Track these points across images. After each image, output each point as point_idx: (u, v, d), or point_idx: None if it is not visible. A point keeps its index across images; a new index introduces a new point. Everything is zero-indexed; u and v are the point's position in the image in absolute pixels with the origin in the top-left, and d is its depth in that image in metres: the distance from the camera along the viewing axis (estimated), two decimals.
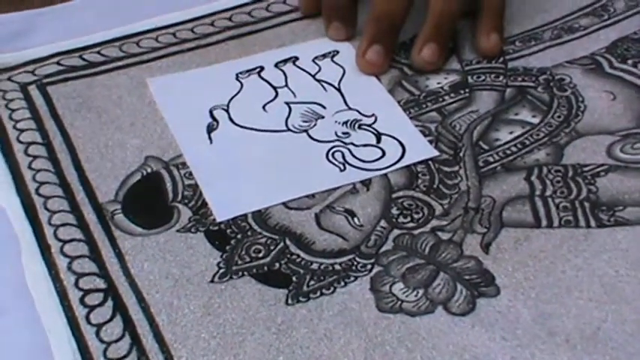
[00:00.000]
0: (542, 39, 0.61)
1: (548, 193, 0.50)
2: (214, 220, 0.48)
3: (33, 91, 0.57)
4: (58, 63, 0.59)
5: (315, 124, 0.54)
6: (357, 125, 0.54)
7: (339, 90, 0.57)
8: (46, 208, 0.49)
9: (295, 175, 0.51)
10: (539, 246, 0.47)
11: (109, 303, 0.44)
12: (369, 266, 0.46)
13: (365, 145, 0.53)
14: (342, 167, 0.52)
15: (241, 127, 0.54)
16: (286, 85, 0.57)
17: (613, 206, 0.49)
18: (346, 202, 0.50)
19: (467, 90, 0.57)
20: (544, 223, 0.48)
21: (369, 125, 0.54)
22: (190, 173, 0.51)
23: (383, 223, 0.48)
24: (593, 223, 0.48)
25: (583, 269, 0.46)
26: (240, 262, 0.46)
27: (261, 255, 0.47)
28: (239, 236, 0.48)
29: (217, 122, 0.55)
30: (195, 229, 0.48)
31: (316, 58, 0.59)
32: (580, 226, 0.48)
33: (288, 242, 0.47)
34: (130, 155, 0.52)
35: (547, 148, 0.53)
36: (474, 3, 0.60)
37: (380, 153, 0.52)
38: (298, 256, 0.47)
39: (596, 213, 0.49)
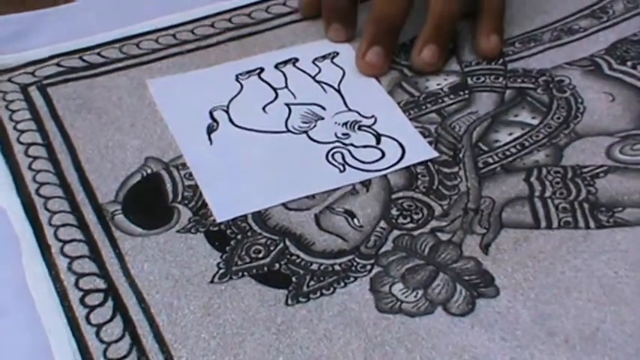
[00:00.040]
0: (541, 40, 0.61)
1: (547, 194, 0.50)
2: (214, 220, 0.49)
3: (33, 92, 0.57)
4: (58, 64, 0.59)
5: (314, 125, 0.54)
6: (356, 126, 0.54)
7: (338, 91, 0.57)
8: (47, 209, 0.49)
9: (295, 176, 0.51)
10: (539, 247, 0.47)
11: (109, 303, 0.44)
12: (368, 267, 0.46)
13: (365, 146, 0.53)
14: (342, 168, 0.52)
15: (241, 128, 0.54)
16: (286, 87, 0.57)
17: (612, 207, 0.49)
18: (346, 202, 0.50)
19: (466, 91, 0.57)
20: (543, 224, 0.48)
21: (369, 126, 0.54)
22: (190, 174, 0.51)
23: (382, 223, 0.48)
24: (592, 224, 0.48)
25: (582, 270, 0.46)
26: (240, 262, 0.46)
27: (261, 255, 0.47)
28: (239, 237, 0.48)
29: (217, 123, 0.55)
30: (195, 230, 0.48)
31: (316, 59, 0.59)
32: (579, 227, 0.48)
33: (287, 243, 0.47)
34: (130, 156, 0.52)
35: (546, 150, 0.53)
36: (474, 4, 0.60)
37: (380, 154, 0.53)
38: (298, 256, 0.47)
39: (595, 214, 0.49)
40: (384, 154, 0.52)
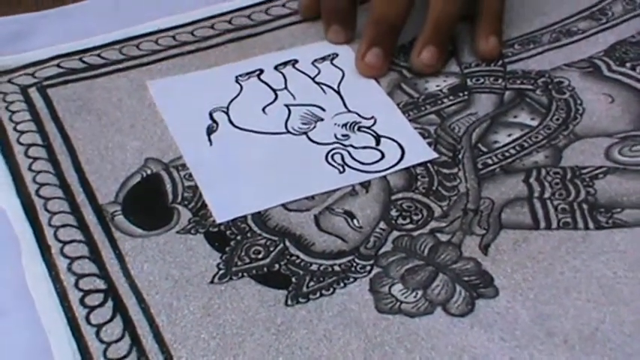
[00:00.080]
0: (540, 42, 0.61)
1: (546, 195, 0.50)
2: (214, 221, 0.49)
3: (33, 93, 0.57)
4: (58, 65, 0.59)
5: (314, 127, 0.55)
6: (356, 127, 0.54)
7: (338, 92, 0.57)
8: (47, 210, 0.49)
9: (295, 177, 0.51)
10: (538, 247, 0.47)
11: (109, 304, 0.44)
12: (368, 267, 0.46)
13: (364, 148, 0.53)
14: (342, 169, 0.52)
15: (241, 129, 0.54)
16: (286, 88, 0.57)
17: (611, 208, 0.49)
18: (345, 203, 0.50)
19: (466, 93, 0.57)
20: (542, 224, 0.48)
21: (369, 127, 0.54)
22: (190, 175, 0.51)
23: (382, 224, 0.49)
24: (591, 224, 0.48)
25: (581, 271, 0.46)
26: (239, 263, 0.46)
27: (260, 256, 0.47)
28: (239, 237, 0.48)
29: (217, 124, 0.55)
30: (195, 231, 0.48)
31: (316, 60, 0.60)
32: (578, 227, 0.48)
33: (287, 243, 0.48)
34: (130, 157, 0.52)
35: (546, 151, 0.53)
36: (473, 6, 0.60)
37: (379, 155, 0.53)
38: (298, 257, 0.47)
39: (594, 215, 0.49)
40: (383, 155, 0.53)
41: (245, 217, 0.49)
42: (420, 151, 0.53)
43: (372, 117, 0.55)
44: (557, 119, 0.55)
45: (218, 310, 0.44)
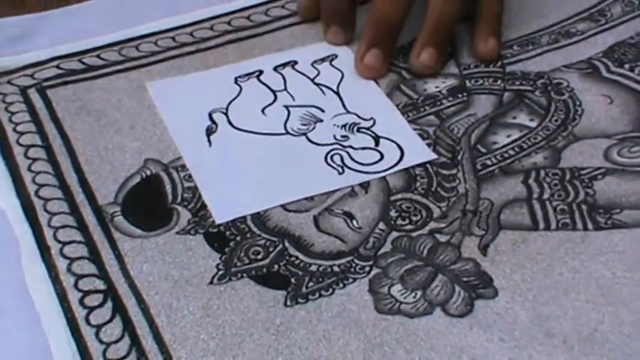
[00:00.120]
0: (539, 43, 0.61)
1: (545, 196, 0.50)
2: (213, 222, 0.49)
3: (33, 94, 0.57)
4: (57, 66, 0.59)
5: (313, 128, 0.55)
6: (355, 128, 0.55)
7: (337, 94, 0.57)
8: (46, 210, 0.49)
9: (294, 178, 0.51)
10: (537, 248, 0.47)
11: (109, 304, 0.44)
12: (367, 268, 0.46)
13: (363, 148, 0.53)
14: (341, 170, 0.52)
15: (240, 130, 0.55)
16: (285, 89, 0.57)
17: (610, 209, 0.49)
18: (345, 204, 0.50)
19: (465, 94, 0.57)
20: (541, 225, 0.48)
21: (368, 128, 0.55)
22: (189, 175, 0.51)
23: (381, 225, 0.49)
24: (590, 225, 0.48)
25: (580, 271, 0.46)
26: (239, 263, 0.47)
27: (260, 257, 0.47)
28: (238, 238, 0.48)
29: (216, 125, 0.55)
30: (195, 231, 0.48)
31: (315, 62, 0.60)
32: (577, 228, 0.48)
33: (286, 244, 0.48)
34: (129, 158, 0.52)
35: (545, 152, 0.53)
36: (472, 8, 0.60)
37: (378, 156, 0.53)
38: (297, 257, 0.47)
39: (593, 216, 0.49)
40: (382, 156, 0.53)
41: (244, 217, 0.49)
42: (419, 152, 0.53)
43: (372, 118, 0.55)
44: (556, 120, 0.55)
45: (217, 310, 0.44)
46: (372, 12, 0.58)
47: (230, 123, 0.55)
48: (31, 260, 0.47)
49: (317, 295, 0.45)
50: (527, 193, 0.50)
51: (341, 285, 0.46)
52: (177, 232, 0.48)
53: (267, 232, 0.48)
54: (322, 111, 0.56)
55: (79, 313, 0.44)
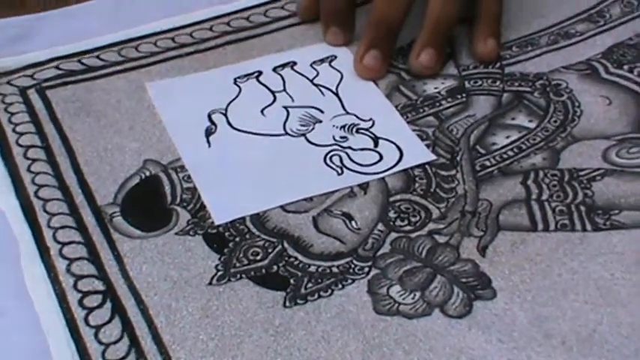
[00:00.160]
0: (538, 44, 0.61)
1: (544, 197, 0.50)
2: (212, 223, 0.49)
3: (32, 94, 0.57)
4: (57, 67, 0.59)
5: (313, 128, 0.55)
6: (354, 129, 0.55)
7: (336, 94, 0.57)
8: (45, 211, 0.49)
9: (293, 179, 0.51)
10: (536, 249, 0.47)
11: (108, 305, 0.44)
12: (366, 269, 0.46)
13: (362, 149, 0.53)
14: (340, 171, 0.52)
15: (239, 130, 0.55)
16: (284, 90, 0.58)
17: (609, 210, 0.49)
18: (344, 205, 0.50)
19: (464, 95, 0.57)
20: (540, 226, 0.48)
21: (367, 129, 0.55)
22: (189, 176, 0.51)
23: (380, 226, 0.49)
24: (588, 226, 0.48)
25: (579, 272, 0.46)
26: (238, 264, 0.47)
27: (259, 258, 0.47)
28: (237, 239, 0.48)
29: (215, 126, 0.55)
30: (194, 232, 0.48)
31: (314, 62, 0.60)
32: (576, 229, 0.48)
33: (285, 245, 0.48)
34: (128, 158, 0.52)
35: (543, 153, 0.53)
36: (472, 9, 0.60)
37: (377, 157, 0.53)
38: (296, 258, 0.47)
39: (591, 217, 0.49)
40: (381, 157, 0.53)
41: (243, 218, 0.49)
42: (418, 153, 0.53)
43: (371, 119, 0.55)
44: (555, 121, 0.55)
45: (216, 311, 0.44)
46: (372, 13, 0.58)
47: (229, 124, 0.55)
48: (31, 261, 0.47)
49: (316, 295, 0.45)
50: (526, 194, 0.50)
51: (340, 286, 0.46)
52: (176, 233, 0.48)
53: (266, 233, 0.48)
54: (321, 112, 0.56)
55: (79, 313, 0.44)
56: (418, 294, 0.45)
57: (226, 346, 0.43)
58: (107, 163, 0.52)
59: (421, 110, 0.56)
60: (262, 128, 0.55)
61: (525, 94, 0.57)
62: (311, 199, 0.50)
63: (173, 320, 0.44)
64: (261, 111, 0.56)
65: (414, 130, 0.55)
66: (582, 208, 0.49)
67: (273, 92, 0.57)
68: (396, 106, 0.56)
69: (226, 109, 0.56)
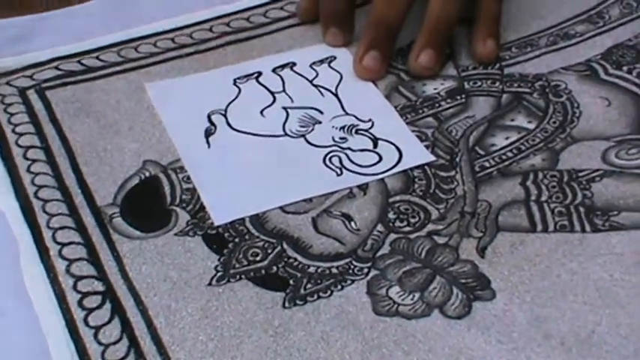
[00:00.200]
0: (538, 45, 0.61)
1: (543, 198, 0.50)
2: (212, 223, 0.49)
3: (32, 95, 0.57)
4: (56, 68, 0.59)
5: (312, 129, 0.55)
6: (354, 130, 0.55)
7: (336, 95, 0.57)
8: (45, 212, 0.49)
9: (292, 180, 0.51)
10: (535, 250, 0.47)
11: (107, 305, 0.45)
12: (365, 270, 0.46)
13: (362, 150, 0.53)
14: (339, 172, 0.52)
15: (239, 131, 0.55)
16: (284, 91, 0.58)
17: (608, 211, 0.49)
18: (343, 206, 0.50)
19: (463, 96, 0.57)
20: (539, 227, 0.49)
21: (366, 130, 0.55)
22: (188, 177, 0.51)
23: (380, 227, 0.49)
24: (588, 227, 0.48)
25: (578, 273, 0.46)
26: (237, 265, 0.47)
27: (258, 258, 0.47)
28: (237, 240, 0.48)
29: (215, 127, 0.55)
30: (193, 233, 0.48)
31: (314, 63, 0.60)
32: (575, 230, 0.48)
33: (285, 246, 0.48)
34: (128, 159, 0.52)
35: (543, 154, 0.53)
36: (471, 10, 0.60)
37: (377, 158, 0.53)
38: (295, 259, 0.47)
39: (591, 218, 0.49)
40: (381, 158, 0.53)
41: (243, 219, 0.49)
42: (417, 154, 0.53)
43: (370, 120, 0.55)
44: (554, 122, 0.55)
45: (216, 312, 0.44)
46: (371, 14, 0.58)
47: (229, 124, 0.55)
48: (30, 261, 0.47)
49: (315, 296, 0.45)
50: (525, 195, 0.50)
51: (339, 287, 0.46)
52: (175, 234, 0.48)
53: (265, 234, 0.48)
54: (321, 113, 0.56)
55: (78, 314, 0.44)
56: (417, 295, 0.45)
57: (226, 347, 0.43)
58: (107, 163, 0.52)
59: (420, 111, 0.56)
60: (262, 129, 0.55)
61: (524, 95, 0.57)
62: (310, 199, 0.50)
63: (173, 321, 0.44)
64: (261, 112, 0.56)
65: (413, 131, 0.55)
66: (581, 209, 0.49)
67: (272, 93, 0.57)
68: (396, 107, 0.56)
69: (226, 110, 0.56)
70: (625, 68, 0.59)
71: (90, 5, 0.64)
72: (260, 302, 0.45)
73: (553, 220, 0.49)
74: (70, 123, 0.55)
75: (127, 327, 0.44)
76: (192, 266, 0.46)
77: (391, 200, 0.50)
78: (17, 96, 0.57)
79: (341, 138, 0.54)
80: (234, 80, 0.58)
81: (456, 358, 0.42)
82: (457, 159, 0.53)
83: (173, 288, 0.45)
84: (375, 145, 0.54)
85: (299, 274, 0.46)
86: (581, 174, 0.52)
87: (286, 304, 0.45)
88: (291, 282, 0.46)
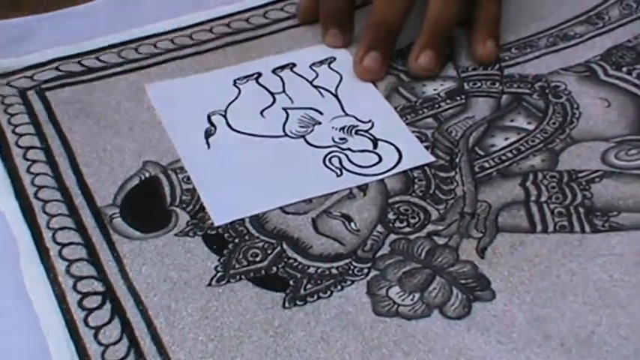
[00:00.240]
0: (537, 46, 0.61)
1: (543, 198, 0.50)
2: (212, 224, 0.49)
3: (32, 96, 0.57)
4: (56, 68, 0.59)
5: (312, 130, 0.55)
6: (353, 131, 0.55)
7: (336, 96, 0.57)
8: (45, 212, 0.49)
9: (292, 180, 0.51)
10: (535, 251, 0.47)
11: (107, 306, 0.45)
12: (365, 270, 0.46)
13: (362, 151, 0.53)
14: (339, 172, 0.52)
15: (239, 132, 0.55)
16: (284, 91, 0.58)
17: (607, 212, 0.49)
18: (343, 206, 0.50)
19: (463, 96, 0.57)
20: (539, 228, 0.49)
21: (366, 131, 0.55)
22: (188, 178, 0.51)
23: (379, 227, 0.49)
24: (587, 228, 0.48)
25: (578, 274, 0.46)
26: (237, 265, 0.47)
27: (258, 259, 0.47)
28: (236, 240, 0.48)
29: (215, 127, 0.55)
30: (193, 233, 0.48)
31: (313, 64, 0.60)
32: (575, 231, 0.48)
33: (285, 246, 0.48)
34: (128, 160, 0.52)
35: (542, 154, 0.53)
36: (471, 11, 0.60)
37: (376, 158, 0.53)
38: (295, 260, 0.47)
39: (590, 218, 0.49)
40: (380, 159, 0.53)
41: (243, 219, 0.49)
42: (417, 155, 0.53)
43: (370, 120, 0.55)
44: (554, 123, 0.55)
45: (216, 312, 0.44)
46: (371, 14, 0.58)
47: (229, 125, 0.55)
48: (30, 262, 0.47)
49: (315, 297, 0.45)
50: (525, 195, 0.50)
51: (339, 287, 0.46)
52: (175, 234, 0.48)
53: (265, 235, 0.48)
54: (321, 113, 0.56)
55: (78, 314, 0.44)
56: (417, 295, 0.45)
57: (226, 347, 0.43)
58: (107, 164, 0.52)
59: (420, 112, 0.56)
60: (262, 130, 0.55)
61: (524, 96, 0.57)
62: (310, 200, 0.50)
63: (172, 321, 0.44)
64: (261, 112, 0.56)
65: (413, 132, 0.55)
66: (581, 209, 0.49)
67: (272, 94, 0.57)
68: (395, 108, 0.56)
69: (226, 111, 0.56)
70: (624, 69, 0.59)
71: (90, 6, 0.64)
72: (260, 302, 0.45)
73: (553, 220, 0.49)
74: (70, 124, 0.55)
75: (127, 327, 0.44)
76: (192, 266, 0.46)
77: (391, 201, 0.50)
78: (17, 97, 0.57)
79: (341, 139, 0.54)
80: (234, 81, 0.58)
81: (456, 358, 0.42)
82: (457, 160, 0.53)
83: (173, 288, 0.45)
84: (375, 146, 0.54)
85: (299, 275, 0.46)
86: (580, 175, 0.52)
87: (286, 305, 0.45)
88: (291, 282, 0.46)
